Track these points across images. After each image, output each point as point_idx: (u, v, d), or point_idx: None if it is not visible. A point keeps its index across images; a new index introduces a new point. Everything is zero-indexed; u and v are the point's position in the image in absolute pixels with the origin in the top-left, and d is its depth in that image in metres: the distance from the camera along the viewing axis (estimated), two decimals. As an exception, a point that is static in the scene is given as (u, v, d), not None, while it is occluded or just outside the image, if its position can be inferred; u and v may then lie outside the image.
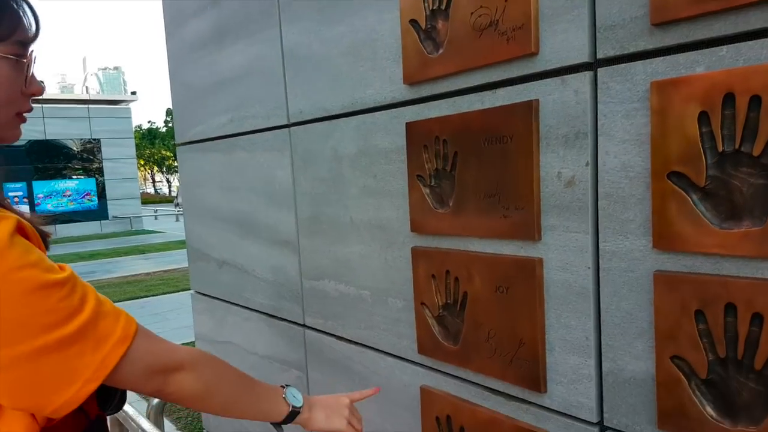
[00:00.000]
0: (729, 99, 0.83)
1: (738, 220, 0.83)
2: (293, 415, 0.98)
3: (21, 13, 0.81)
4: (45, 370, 0.70)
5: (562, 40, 1.04)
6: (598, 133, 1.01)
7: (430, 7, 1.28)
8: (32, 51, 0.83)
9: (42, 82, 0.88)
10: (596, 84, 1.00)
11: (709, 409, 0.88)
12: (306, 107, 1.75)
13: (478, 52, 1.18)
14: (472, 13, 1.18)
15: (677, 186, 0.89)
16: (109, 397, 0.88)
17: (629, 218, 0.97)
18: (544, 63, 1.08)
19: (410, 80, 1.35)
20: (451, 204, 1.27)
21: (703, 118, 0.85)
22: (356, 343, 1.67)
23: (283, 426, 1.01)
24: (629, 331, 0.99)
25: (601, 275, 1.02)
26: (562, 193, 1.07)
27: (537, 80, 1.10)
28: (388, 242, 1.49)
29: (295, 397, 1.00)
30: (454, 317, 1.29)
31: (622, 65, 0.96)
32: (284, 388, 1.01)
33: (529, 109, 1.10)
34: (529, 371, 1.14)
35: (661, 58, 0.91)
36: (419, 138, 1.34)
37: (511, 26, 1.11)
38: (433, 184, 1.32)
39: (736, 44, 0.83)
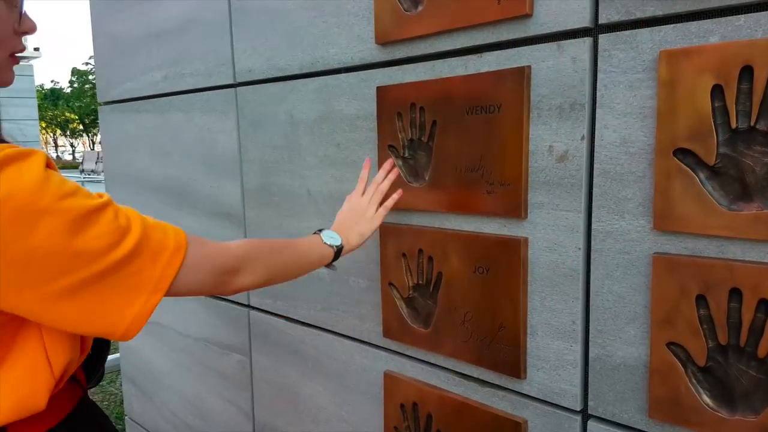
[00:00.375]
0: (746, 72, 0.80)
1: (748, 201, 0.82)
2: (338, 252, 1.10)
3: None
4: (109, 291, 0.73)
5: (560, 2, 0.99)
6: (597, 104, 0.97)
7: (409, -40, 1.20)
8: None
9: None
10: (597, 51, 0.96)
11: (706, 398, 0.88)
12: (256, 65, 1.63)
13: (463, 11, 1.11)
14: (457, -32, 1.11)
15: (684, 164, 0.86)
16: (93, 372, 0.95)
17: (627, 197, 0.94)
18: (539, 26, 1.03)
19: (383, 40, 1.27)
20: (427, 177, 1.21)
21: (717, 92, 0.83)
22: (310, 326, 1.59)
23: (333, 264, 1.13)
24: (621, 315, 0.97)
25: (592, 257, 0.99)
26: (553, 169, 1.03)
27: (529, 45, 1.05)
28: (351, 217, 1.42)
29: (332, 237, 1.10)
30: (426, 299, 1.24)
31: (627, 32, 0.92)
32: (318, 233, 1.10)
33: (521, 75, 1.04)
34: (509, 356, 1.11)
35: (671, 25, 0.88)
36: (392, 104, 1.26)
37: (503, -16, 1.04)
38: (407, 155, 1.25)
39: (755, 13, 0.81)
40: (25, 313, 0.71)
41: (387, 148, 1.28)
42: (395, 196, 1.23)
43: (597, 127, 0.97)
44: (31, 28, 0.84)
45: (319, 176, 1.49)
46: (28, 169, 0.68)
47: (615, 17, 0.93)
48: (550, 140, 1.03)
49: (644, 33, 0.90)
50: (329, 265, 1.13)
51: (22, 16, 0.81)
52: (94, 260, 0.71)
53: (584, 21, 0.97)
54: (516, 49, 1.07)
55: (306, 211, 1.55)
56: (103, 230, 0.72)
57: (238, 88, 1.71)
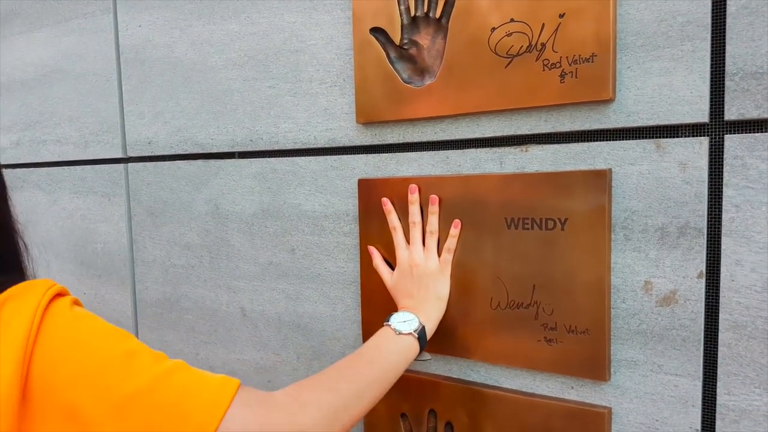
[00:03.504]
0: None
1: None
2: (422, 336, 0.77)
3: None
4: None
5: (660, 85, 0.70)
6: (722, 231, 0.68)
7: (411, 12, 0.85)
8: None
9: None
10: (721, 157, 0.68)
11: None
12: (160, 136, 1.17)
13: (501, 89, 0.78)
14: (493, 29, 0.78)
15: None
16: None
17: (781, 364, 0.65)
18: (625, 117, 0.72)
19: (369, 118, 0.90)
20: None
21: None
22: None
23: (424, 352, 0.80)
24: None
25: (725, 444, 0.69)
26: (652, 314, 0.72)
27: (608, 140, 0.74)
28: (315, 353, 1.00)
29: (405, 320, 0.78)
30: (447, 483, 0.86)
31: (774, 135, 0.65)
32: (387, 324, 0.77)
33: (600, 182, 0.73)
34: None
35: None
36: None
37: (570, 56, 0.73)
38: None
39: None
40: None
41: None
42: (454, 231, 0.84)
43: (723, 262, 0.68)
44: None
45: (260, 291, 1.06)
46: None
47: (752, 112, 0.66)
48: (645, 274, 0.72)
49: (803, 138, 0.63)
50: (419, 358, 0.82)
51: None
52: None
53: (699, 114, 0.68)
54: (585, 144, 0.75)
55: (238, 337, 1.10)
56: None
57: (131, 164, 1.23)
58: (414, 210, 0.86)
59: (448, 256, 0.84)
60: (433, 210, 0.85)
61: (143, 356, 0.57)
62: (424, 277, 0.83)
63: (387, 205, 0.88)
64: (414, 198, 0.86)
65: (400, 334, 0.76)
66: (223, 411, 0.55)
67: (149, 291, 1.23)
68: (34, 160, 1.39)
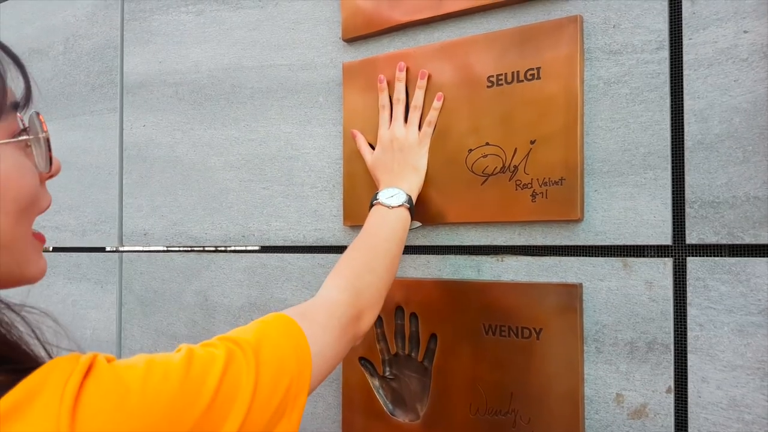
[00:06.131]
0: None
1: None
2: (411, 206, 0.77)
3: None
4: None
5: (626, 208, 0.71)
6: (688, 348, 0.67)
7: (397, 129, 0.86)
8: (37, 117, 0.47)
9: None
10: (685, 278, 0.68)
11: None
12: (156, 229, 1.15)
13: (479, 203, 0.79)
14: (470, 150, 0.80)
15: None
16: None
17: (752, 482, 0.63)
18: (593, 235, 0.73)
19: (355, 221, 0.90)
20: (420, 411, 0.81)
21: None
22: None
23: (414, 221, 0.80)
24: None
25: None
26: (624, 426, 0.69)
27: (578, 256, 0.74)
28: (296, 451, 0.95)
29: (393, 195, 0.77)
30: None
31: (732, 260, 0.65)
32: (376, 202, 0.77)
33: (571, 295, 0.72)
34: None
35: (801, 260, 0.62)
36: (371, 309, 0.87)
37: (540, 178, 0.74)
38: (388, 374, 0.85)
39: None
40: None
41: (359, 362, 0.87)
42: (437, 104, 0.81)
43: (690, 378, 0.67)
44: (58, 169, 0.51)
45: (243, 385, 1.01)
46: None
47: (711, 238, 0.66)
48: (617, 386, 0.70)
49: (759, 264, 0.64)
50: (411, 227, 0.80)
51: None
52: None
53: (662, 237, 0.69)
54: (556, 258, 0.75)
55: None
56: (203, 382, 0.43)
57: (125, 254, 1.20)
58: (399, 87, 0.84)
59: (428, 129, 0.82)
60: (421, 84, 0.82)
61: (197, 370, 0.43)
62: (404, 150, 0.81)
63: (382, 82, 0.85)
64: (401, 76, 0.84)
65: (392, 207, 0.76)
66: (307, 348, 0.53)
67: (134, 378, 1.17)
68: (31, 245, 1.36)
